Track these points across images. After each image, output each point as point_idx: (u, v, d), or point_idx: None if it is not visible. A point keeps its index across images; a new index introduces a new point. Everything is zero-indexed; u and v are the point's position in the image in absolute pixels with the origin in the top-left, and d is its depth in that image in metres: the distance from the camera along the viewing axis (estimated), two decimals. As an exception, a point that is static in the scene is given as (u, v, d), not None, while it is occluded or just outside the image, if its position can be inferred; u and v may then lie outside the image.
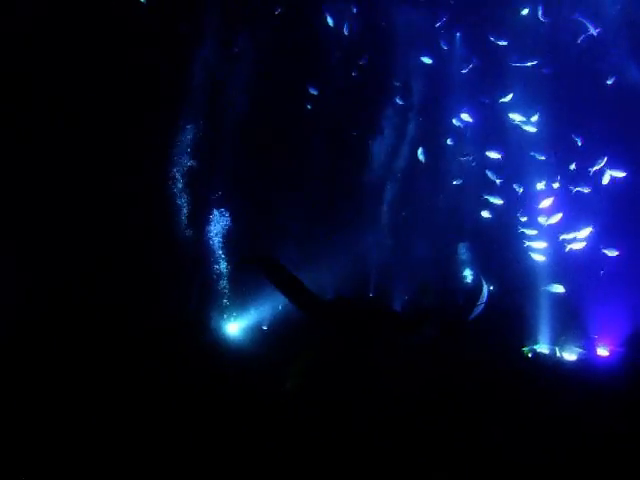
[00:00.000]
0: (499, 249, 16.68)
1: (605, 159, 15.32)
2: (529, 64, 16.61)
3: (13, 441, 6.99)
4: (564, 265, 15.40)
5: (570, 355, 12.93)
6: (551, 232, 15.92)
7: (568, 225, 15.90)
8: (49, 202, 14.38)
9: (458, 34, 18.37)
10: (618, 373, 11.33)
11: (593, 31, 15.58)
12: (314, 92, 17.92)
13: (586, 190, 15.71)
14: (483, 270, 15.82)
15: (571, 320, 14.25)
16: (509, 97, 16.49)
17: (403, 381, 10.39)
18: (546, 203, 16.22)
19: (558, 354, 12.98)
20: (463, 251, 17.53)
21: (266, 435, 8.10)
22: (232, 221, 16.12)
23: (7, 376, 8.87)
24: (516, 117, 16.52)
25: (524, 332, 13.89)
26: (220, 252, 15.99)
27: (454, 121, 17.89)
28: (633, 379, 10.74)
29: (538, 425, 8.72)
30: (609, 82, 16.18)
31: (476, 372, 10.79)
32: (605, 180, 15.54)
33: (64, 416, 7.84)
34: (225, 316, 15.10)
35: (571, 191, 15.98)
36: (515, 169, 17.10)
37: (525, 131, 16.62)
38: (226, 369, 11.20)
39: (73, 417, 7.83)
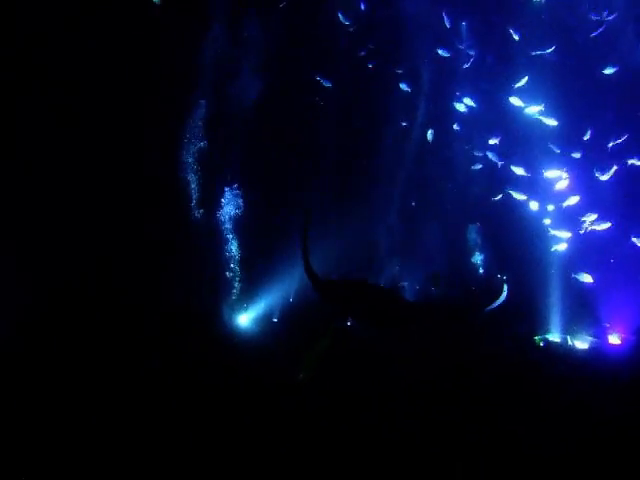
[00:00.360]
0: (509, 235, 16.59)
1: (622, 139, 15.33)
2: (547, 51, 16.46)
3: (14, 441, 7.01)
4: (576, 253, 15.35)
5: (582, 344, 12.89)
6: (563, 219, 15.88)
7: (581, 211, 15.86)
8: (53, 194, 14.50)
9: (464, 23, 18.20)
10: (629, 361, 11.29)
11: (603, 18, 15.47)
12: (324, 82, 17.95)
13: (602, 177, 15.63)
14: (496, 258, 15.77)
15: (583, 308, 14.18)
16: (523, 81, 16.43)
17: (413, 370, 10.45)
18: (560, 187, 16.19)
19: (569, 343, 12.94)
20: (473, 235, 17.47)
21: (275, 426, 8.25)
22: (244, 207, 16.28)
23: (9, 373, 9.01)
24: (520, 103, 16.59)
25: (536, 321, 13.85)
26: (231, 241, 16.14)
27: (461, 106, 17.82)
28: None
29: (550, 414, 8.75)
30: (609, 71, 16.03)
31: (488, 362, 10.82)
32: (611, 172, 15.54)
33: (67, 410, 7.96)
34: (236, 307, 15.25)
35: (587, 176, 15.95)
36: (526, 155, 17.05)
37: (534, 118, 16.55)
38: (236, 361, 11.40)
39: (76, 411, 7.97)
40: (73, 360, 9.82)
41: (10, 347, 10.07)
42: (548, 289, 14.37)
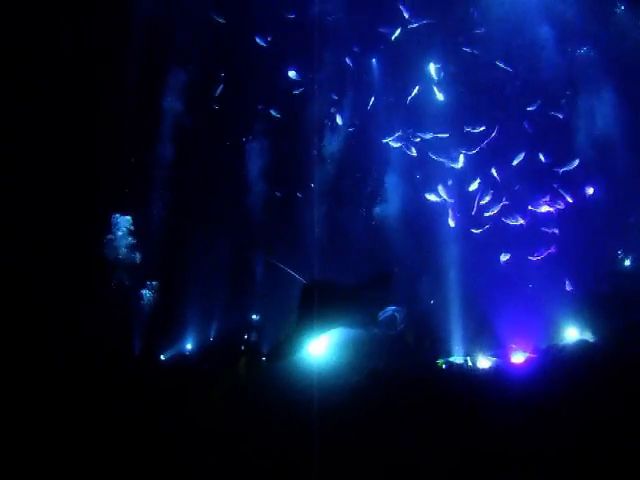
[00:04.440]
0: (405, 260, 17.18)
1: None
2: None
3: None
4: (474, 274, 16.04)
5: (483, 364, 13.44)
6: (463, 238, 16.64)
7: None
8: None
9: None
10: (530, 379, 11.84)
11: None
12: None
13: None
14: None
15: (483, 329, 14.82)
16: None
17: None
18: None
19: (470, 364, 13.48)
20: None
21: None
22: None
23: None
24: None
25: (439, 345, 14.42)
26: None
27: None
28: (545, 385, 11.23)
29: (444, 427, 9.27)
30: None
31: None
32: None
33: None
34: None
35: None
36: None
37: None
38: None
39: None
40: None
41: None
42: (450, 313, 14.93)
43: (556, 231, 16.68)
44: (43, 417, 10.09)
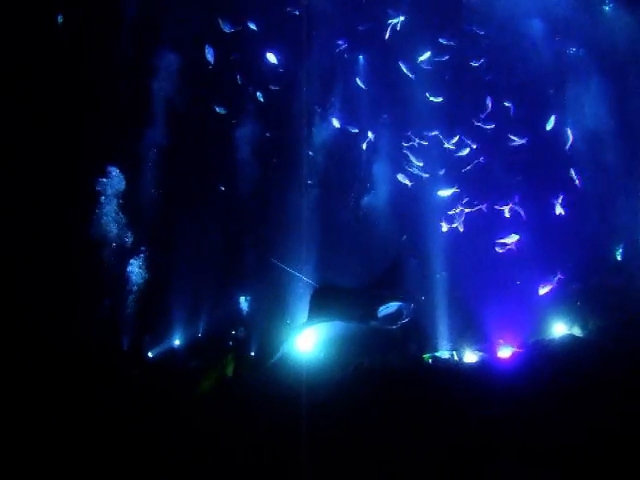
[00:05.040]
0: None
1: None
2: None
3: None
4: (460, 269, 16.08)
5: (469, 358, 13.50)
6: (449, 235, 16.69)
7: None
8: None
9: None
10: (516, 373, 11.89)
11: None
12: None
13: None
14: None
15: (470, 324, 14.88)
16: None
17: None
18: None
19: (456, 358, 13.53)
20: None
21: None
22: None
23: None
24: None
25: (424, 339, 14.47)
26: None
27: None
28: (530, 379, 11.28)
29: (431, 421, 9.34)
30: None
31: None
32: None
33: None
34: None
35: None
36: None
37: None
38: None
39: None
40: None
41: None
42: (436, 307, 14.98)
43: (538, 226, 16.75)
44: (28, 414, 10.03)
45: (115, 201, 16.36)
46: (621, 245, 17.06)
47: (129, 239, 16.42)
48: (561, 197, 17.18)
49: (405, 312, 13.84)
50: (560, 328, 14.76)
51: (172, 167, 17.29)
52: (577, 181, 17.20)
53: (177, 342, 15.83)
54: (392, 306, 13.71)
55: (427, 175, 17.55)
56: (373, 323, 13.73)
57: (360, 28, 18.11)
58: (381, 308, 13.57)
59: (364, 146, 18.67)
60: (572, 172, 17.11)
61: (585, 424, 8.74)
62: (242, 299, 16.92)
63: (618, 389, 9.61)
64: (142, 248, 16.45)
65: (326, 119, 18.78)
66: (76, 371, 12.30)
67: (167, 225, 17.05)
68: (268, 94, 18.43)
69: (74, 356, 12.80)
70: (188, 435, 9.77)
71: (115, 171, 16.48)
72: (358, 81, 18.57)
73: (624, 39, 17.49)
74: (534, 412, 9.48)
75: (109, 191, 16.37)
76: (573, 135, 17.22)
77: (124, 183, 16.68)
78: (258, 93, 18.40)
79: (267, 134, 18.60)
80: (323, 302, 14.13)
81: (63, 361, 12.44)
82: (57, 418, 9.90)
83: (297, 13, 18.15)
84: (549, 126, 17.22)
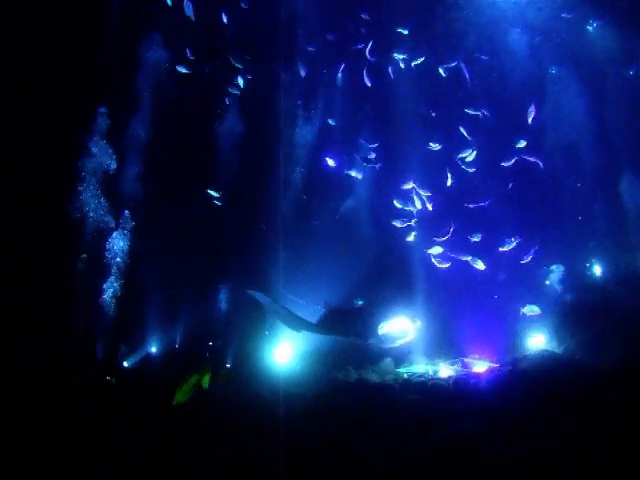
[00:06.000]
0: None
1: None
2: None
3: None
4: (437, 284, 16.17)
5: (445, 373, 13.54)
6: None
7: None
8: None
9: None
10: (490, 388, 11.94)
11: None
12: None
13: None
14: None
15: (446, 338, 14.95)
16: None
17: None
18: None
19: (431, 372, 13.58)
20: None
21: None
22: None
23: None
24: None
25: (400, 353, 14.52)
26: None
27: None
28: (504, 394, 11.33)
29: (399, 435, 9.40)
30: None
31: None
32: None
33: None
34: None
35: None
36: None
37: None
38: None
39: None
40: None
41: None
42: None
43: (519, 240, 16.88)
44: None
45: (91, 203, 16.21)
46: (599, 260, 17.27)
47: (104, 246, 16.25)
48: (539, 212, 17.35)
49: (408, 331, 13.88)
50: (537, 343, 14.85)
51: (146, 176, 17.17)
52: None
53: (153, 351, 15.71)
54: (391, 324, 13.77)
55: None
56: (372, 342, 13.82)
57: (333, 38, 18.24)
58: (380, 326, 13.63)
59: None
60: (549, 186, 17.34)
61: (558, 440, 8.79)
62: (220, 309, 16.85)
63: (593, 405, 9.68)
64: (118, 256, 16.26)
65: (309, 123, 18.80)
66: (48, 381, 12.17)
67: (144, 232, 16.90)
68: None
69: (47, 365, 12.66)
70: (162, 446, 9.70)
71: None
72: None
73: (605, 58, 17.87)
74: (506, 428, 9.52)
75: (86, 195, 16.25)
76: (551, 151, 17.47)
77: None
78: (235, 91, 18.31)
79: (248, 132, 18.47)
80: (330, 322, 14.41)
81: (35, 371, 12.29)
82: (29, 427, 9.78)
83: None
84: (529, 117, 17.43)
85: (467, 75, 17.79)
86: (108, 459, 9.18)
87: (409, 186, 17.44)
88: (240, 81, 18.16)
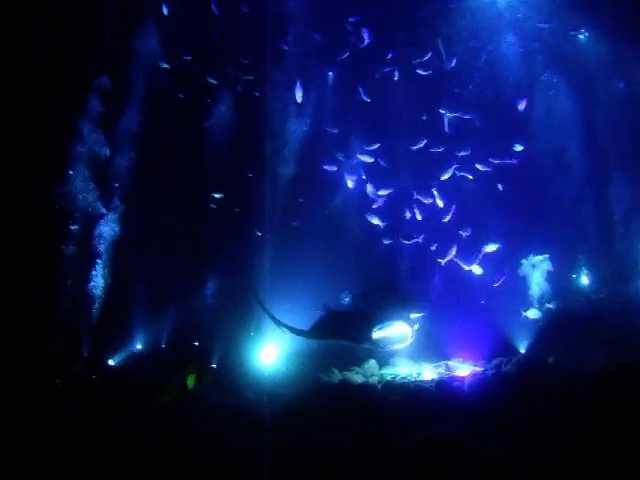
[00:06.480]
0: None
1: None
2: None
3: None
4: (426, 286, 16.24)
5: (428, 376, 13.60)
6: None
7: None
8: None
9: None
10: (473, 391, 11.99)
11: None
12: None
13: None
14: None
15: (431, 341, 15.00)
16: None
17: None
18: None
19: (415, 375, 13.64)
20: None
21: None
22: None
23: None
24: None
25: (384, 355, 14.57)
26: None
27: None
28: (487, 397, 11.39)
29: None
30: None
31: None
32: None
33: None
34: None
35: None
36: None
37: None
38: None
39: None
40: None
41: None
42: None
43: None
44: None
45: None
46: (586, 270, 17.37)
47: (89, 242, 16.19)
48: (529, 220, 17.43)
49: (406, 334, 13.84)
50: (522, 348, 14.95)
51: (133, 172, 17.14)
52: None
53: (139, 349, 15.67)
54: (389, 327, 13.74)
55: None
56: (366, 345, 13.78)
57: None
58: (375, 329, 13.59)
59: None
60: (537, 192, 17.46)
61: (538, 441, 8.87)
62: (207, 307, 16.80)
63: (576, 408, 9.76)
64: (102, 253, 16.22)
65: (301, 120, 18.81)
66: (32, 378, 12.12)
67: (130, 229, 16.83)
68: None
69: (30, 362, 12.61)
70: (146, 446, 9.68)
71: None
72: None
73: (596, 66, 18.05)
74: (487, 429, 9.59)
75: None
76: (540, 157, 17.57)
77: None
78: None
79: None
80: (325, 325, 14.27)
81: (18, 368, 12.24)
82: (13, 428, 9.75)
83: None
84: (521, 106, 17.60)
85: (444, 55, 17.76)
86: (92, 458, 9.15)
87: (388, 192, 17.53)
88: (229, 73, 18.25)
